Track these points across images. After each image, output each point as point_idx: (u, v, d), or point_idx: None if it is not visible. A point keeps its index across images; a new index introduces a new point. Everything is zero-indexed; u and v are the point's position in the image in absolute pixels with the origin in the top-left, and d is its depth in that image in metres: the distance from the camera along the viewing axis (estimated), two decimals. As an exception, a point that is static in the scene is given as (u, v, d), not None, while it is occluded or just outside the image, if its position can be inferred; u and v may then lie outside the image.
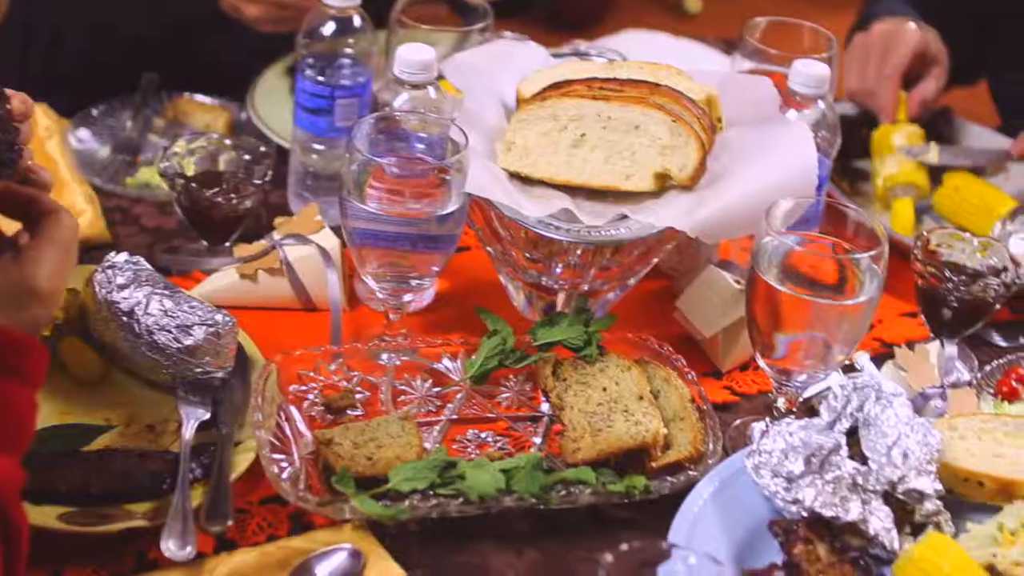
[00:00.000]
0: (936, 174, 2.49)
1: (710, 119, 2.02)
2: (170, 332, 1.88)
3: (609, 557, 1.54)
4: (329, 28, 2.17)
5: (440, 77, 2.12)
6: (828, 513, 1.78)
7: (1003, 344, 2.23)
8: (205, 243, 2.16)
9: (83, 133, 2.40)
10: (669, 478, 1.84)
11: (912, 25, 2.58)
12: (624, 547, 1.55)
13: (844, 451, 1.82)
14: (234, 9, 2.41)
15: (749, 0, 2.59)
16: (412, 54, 2.01)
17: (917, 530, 1.81)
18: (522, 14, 2.89)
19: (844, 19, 2.85)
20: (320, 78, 2.18)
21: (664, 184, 1.98)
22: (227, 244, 2.15)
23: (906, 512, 1.82)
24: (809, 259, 1.87)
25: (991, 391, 2.10)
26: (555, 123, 1.99)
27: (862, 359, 2.08)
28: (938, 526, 1.81)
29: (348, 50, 2.18)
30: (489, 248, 2.07)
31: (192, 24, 2.57)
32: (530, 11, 3.05)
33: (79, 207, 2.19)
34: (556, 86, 2.03)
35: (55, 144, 2.31)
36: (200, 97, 2.48)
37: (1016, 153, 2.49)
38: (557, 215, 1.94)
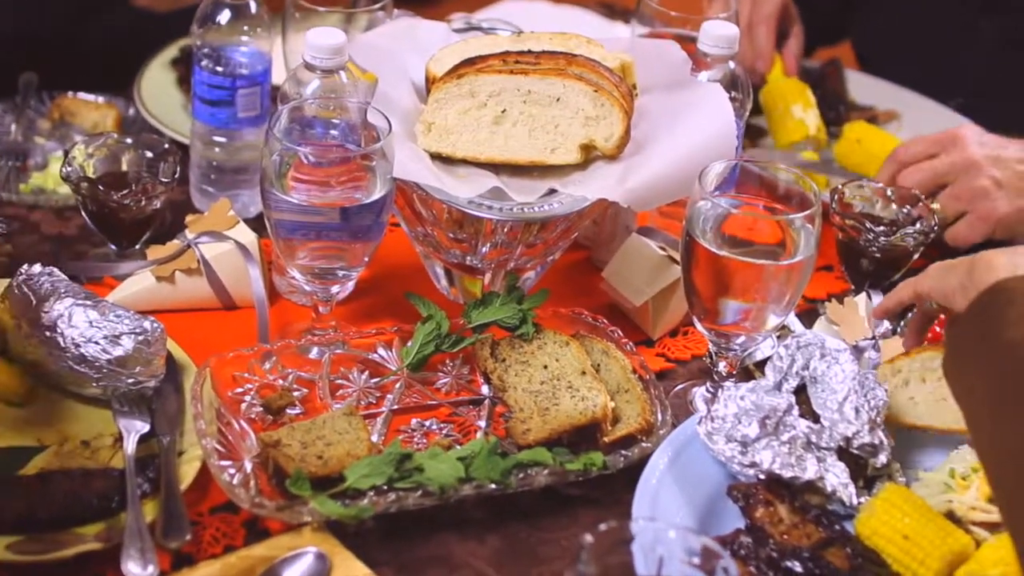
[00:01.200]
0: (829, 127, 2.51)
1: (627, 87, 2.00)
2: (98, 344, 1.81)
3: (589, 538, 1.52)
4: (224, 16, 2.10)
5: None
6: (787, 474, 1.79)
7: (920, 291, 2.25)
8: (113, 247, 2.08)
9: (-35, 141, 2.30)
10: (623, 452, 1.83)
11: None
12: (603, 527, 1.53)
13: (796, 411, 1.83)
14: None
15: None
16: (322, 38, 1.95)
17: (869, 483, 1.83)
18: None
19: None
20: (219, 68, 2.11)
21: (589, 155, 1.96)
22: (137, 247, 2.08)
23: (858, 466, 1.83)
24: (743, 222, 1.87)
25: (916, 338, 2.12)
26: (474, 100, 1.95)
27: (789, 317, 2.09)
28: (891, 477, 1.83)
29: (245, 38, 2.11)
30: (410, 230, 2.03)
31: (60, 16, 2.47)
32: None
33: (-27, 219, 2.10)
34: (469, 62, 1.98)
35: (-62, 154, 2.21)
36: (84, 95, 2.38)
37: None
38: (485, 194, 1.91)
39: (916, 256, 2.11)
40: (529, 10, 2.55)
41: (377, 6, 2.20)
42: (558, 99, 1.94)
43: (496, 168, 1.95)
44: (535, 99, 1.94)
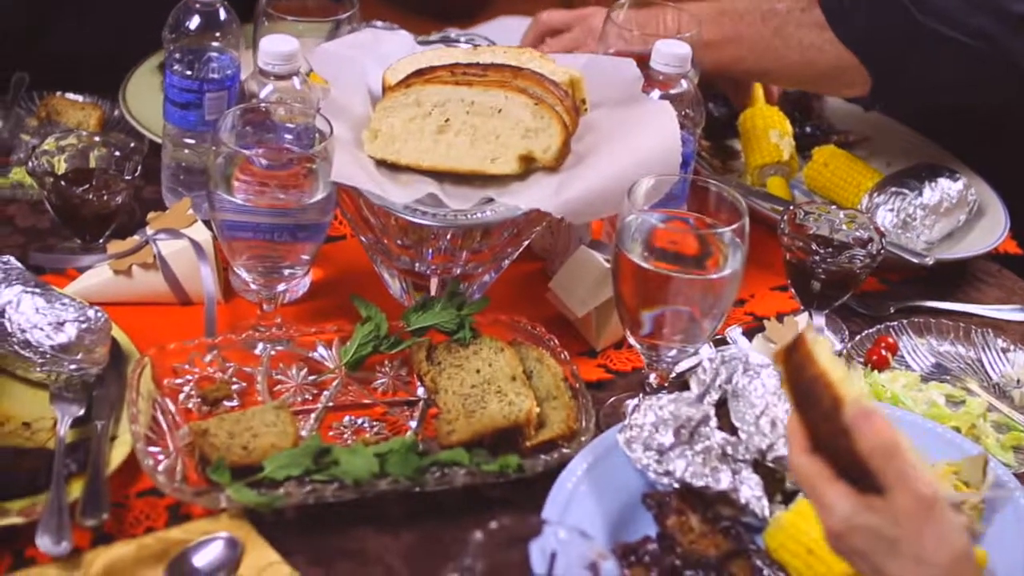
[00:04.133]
0: (805, 149, 2.54)
1: (573, 101, 2.04)
2: (42, 330, 1.88)
3: (479, 535, 1.55)
4: (195, 22, 2.17)
5: (310, 72, 2.14)
6: (699, 483, 1.82)
7: (872, 314, 2.27)
8: (78, 241, 2.16)
9: (-47, 135, 2.39)
10: (543, 456, 1.87)
11: None
12: (494, 524, 1.56)
13: (713, 422, 1.86)
14: None
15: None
16: (275, 45, 2.01)
17: (788, 498, 1.85)
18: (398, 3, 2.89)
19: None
20: (188, 72, 2.18)
21: (529, 166, 2.00)
22: (100, 241, 2.15)
23: (776, 480, 1.85)
24: (674, 235, 1.90)
25: (861, 360, 2.14)
26: (419, 109, 2.00)
27: (734, 333, 2.13)
28: (807, 492, 1.85)
29: (215, 43, 2.18)
30: (362, 237, 2.09)
31: (47, 14, 2.55)
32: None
33: (-49, 208, 2.19)
34: (420, 73, 2.04)
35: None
36: (72, 95, 2.47)
37: None
38: (424, 200, 1.96)
39: (863, 278, 2.13)
40: (520, 27, 2.60)
41: (344, 15, 2.27)
42: (500, 110, 1.99)
43: (440, 176, 2.00)
44: (478, 110, 1.99)
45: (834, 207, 2.19)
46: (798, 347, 1.56)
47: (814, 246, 2.11)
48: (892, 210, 2.34)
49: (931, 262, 2.28)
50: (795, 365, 1.56)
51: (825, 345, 1.56)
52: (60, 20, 2.54)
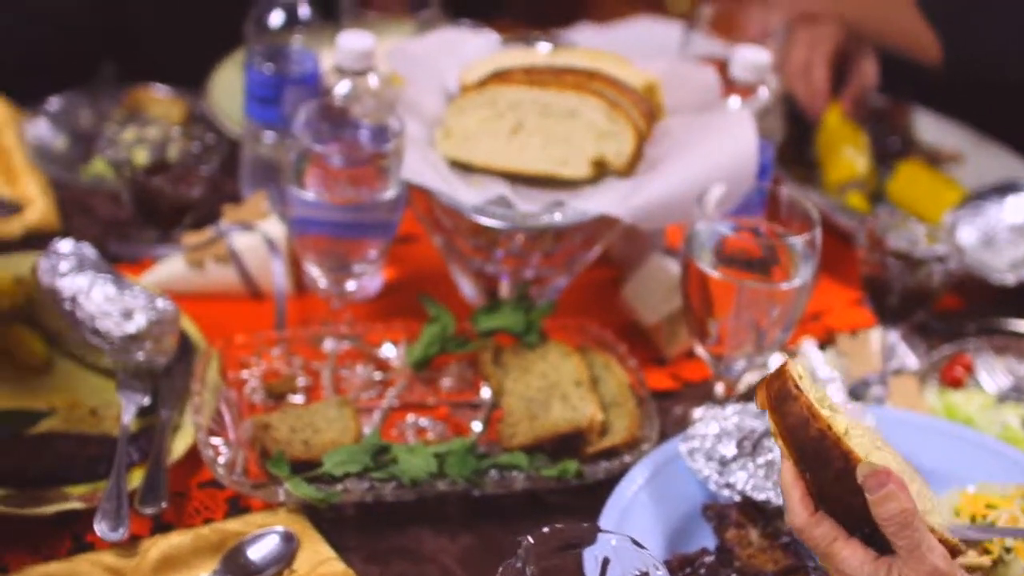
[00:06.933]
0: (888, 162, 2.50)
1: (649, 106, 2.03)
2: (112, 318, 1.89)
3: (530, 539, 1.55)
4: (277, 19, 2.18)
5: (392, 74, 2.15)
6: (760, 496, 1.80)
7: (951, 332, 2.23)
8: (155, 232, 2.18)
9: (40, 124, 2.41)
10: (604, 463, 1.86)
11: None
12: (546, 529, 1.56)
13: (777, 435, 1.83)
14: None
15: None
16: (351, 42, 2.02)
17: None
18: (495, 14, 2.89)
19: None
20: (269, 68, 2.19)
21: (601, 171, 1.99)
22: (176, 232, 2.17)
23: (840, 497, 1.83)
24: (743, 244, 1.88)
25: (936, 378, 2.10)
26: (493, 110, 2.00)
27: (806, 345, 2.10)
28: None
29: (296, 40, 2.19)
30: (435, 238, 2.08)
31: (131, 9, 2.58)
32: (501, 10, 3.04)
33: (32, 197, 2.21)
34: (496, 74, 2.04)
35: (11, 135, 2.33)
36: (158, 88, 2.49)
37: None
38: (494, 202, 1.95)
39: (941, 295, 2.09)
40: (608, 32, 2.58)
41: (424, 13, 2.27)
42: (573, 113, 1.98)
43: (511, 178, 2.00)
44: (551, 112, 1.98)
45: (914, 222, 2.16)
46: (791, 396, 1.50)
47: (891, 260, 2.08)
48: (975, 227, 2.30)
49: (1012, 281, 2.24)
50: (791, 417, 1.50)
51: (809, 380, 1.51)
52: (139, 12, 2.56)
